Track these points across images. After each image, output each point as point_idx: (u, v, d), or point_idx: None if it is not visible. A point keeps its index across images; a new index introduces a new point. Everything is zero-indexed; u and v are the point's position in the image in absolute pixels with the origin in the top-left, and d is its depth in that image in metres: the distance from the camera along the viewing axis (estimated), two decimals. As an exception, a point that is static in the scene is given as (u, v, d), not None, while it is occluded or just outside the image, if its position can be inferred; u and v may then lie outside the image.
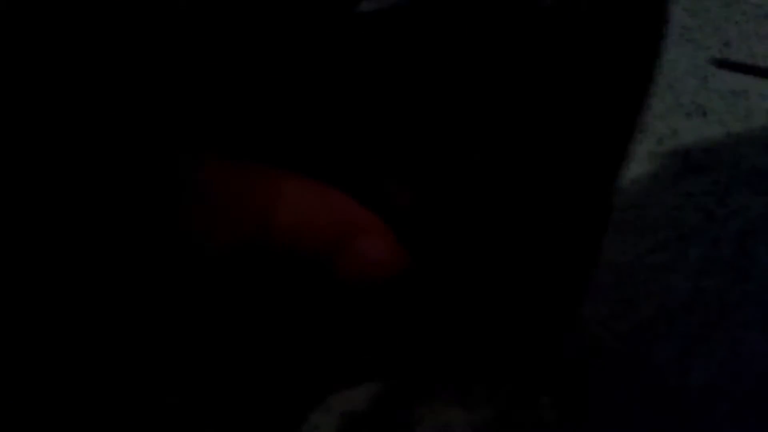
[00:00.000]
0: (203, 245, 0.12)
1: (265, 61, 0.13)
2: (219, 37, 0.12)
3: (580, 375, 0.23)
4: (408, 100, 0.13)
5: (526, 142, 0.14)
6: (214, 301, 0.13)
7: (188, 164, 0.12)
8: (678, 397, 0.22)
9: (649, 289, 0.24)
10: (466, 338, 0.18)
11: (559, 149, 0.15)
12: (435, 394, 0.23)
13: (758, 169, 0.28)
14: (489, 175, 0.14)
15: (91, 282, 0.12)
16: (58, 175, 0.12)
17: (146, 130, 0.12)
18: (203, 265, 0.12)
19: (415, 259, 0.14)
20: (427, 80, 0.13)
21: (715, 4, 0.37)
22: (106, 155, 0.12)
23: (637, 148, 0.29)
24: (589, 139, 0.15)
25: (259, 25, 0.12)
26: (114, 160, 0.12)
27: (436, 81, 0.13)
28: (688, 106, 0.31)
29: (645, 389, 0.22)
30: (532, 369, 0.23)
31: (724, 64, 0.27)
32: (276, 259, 0.13)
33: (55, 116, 0.12)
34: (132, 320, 0.13)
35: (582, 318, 0.24)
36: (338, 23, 0.13)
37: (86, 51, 0.12)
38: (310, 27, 0.13)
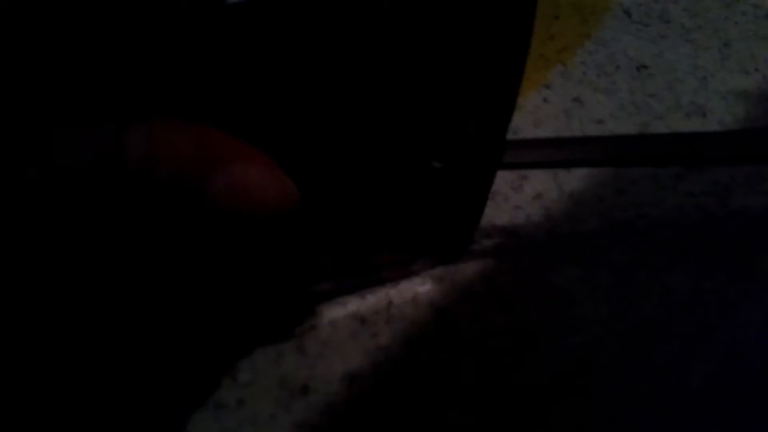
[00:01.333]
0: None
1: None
2: None
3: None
4: (274, 78, 0.16)
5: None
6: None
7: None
8: (678, 397, 0.22)
9: (649, 289, 0.24)
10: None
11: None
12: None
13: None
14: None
15: None
16: None
17: None
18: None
19: (304, 190, 0.15)
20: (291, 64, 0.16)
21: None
22: None
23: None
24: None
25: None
26: None
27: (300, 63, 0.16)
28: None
29: (645, 389, 0.22)
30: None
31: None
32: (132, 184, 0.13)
33: None
34: None
35: (582, 318, 0.24)
36: (207, 14, 0.14)
37: None
38: (180, 20, 0.14)
